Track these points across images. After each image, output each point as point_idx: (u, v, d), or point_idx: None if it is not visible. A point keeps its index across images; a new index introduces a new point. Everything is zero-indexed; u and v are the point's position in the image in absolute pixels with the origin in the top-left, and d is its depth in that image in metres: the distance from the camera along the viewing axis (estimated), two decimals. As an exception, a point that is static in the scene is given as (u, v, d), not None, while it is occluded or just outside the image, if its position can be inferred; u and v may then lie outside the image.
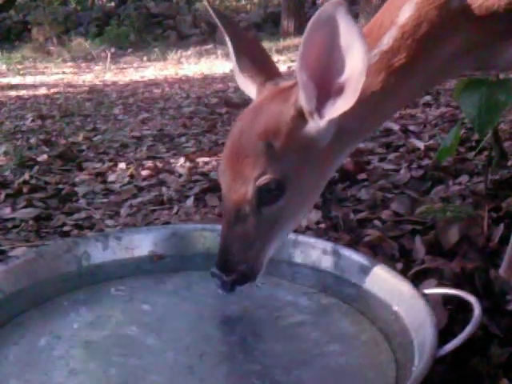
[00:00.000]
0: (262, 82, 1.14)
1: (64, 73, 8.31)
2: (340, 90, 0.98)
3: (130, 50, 11.48)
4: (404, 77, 1.05)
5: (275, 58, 8.77)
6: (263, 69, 1.15)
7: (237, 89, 5.48)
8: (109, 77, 7.43)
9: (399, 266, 1.43)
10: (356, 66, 0.94)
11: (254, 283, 1.13)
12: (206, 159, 2.77)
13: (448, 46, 1.04)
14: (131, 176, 2.54)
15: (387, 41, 1.04)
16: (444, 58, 1.06)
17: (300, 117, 1.04)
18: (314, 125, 1.03)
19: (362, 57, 0.92)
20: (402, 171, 2.32)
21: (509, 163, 2.22)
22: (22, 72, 8.38)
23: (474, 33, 1.04)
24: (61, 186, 2.39)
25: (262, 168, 1.02)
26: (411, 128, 3.15)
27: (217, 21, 1.14)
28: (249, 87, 1.16)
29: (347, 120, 1.03)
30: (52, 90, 6.07)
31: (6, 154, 3.02)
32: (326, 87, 1.00)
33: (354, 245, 1.53)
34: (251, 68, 1.15)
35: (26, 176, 2.51)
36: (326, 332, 1.16)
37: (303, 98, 1.01)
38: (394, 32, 1.03)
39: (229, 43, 1.14)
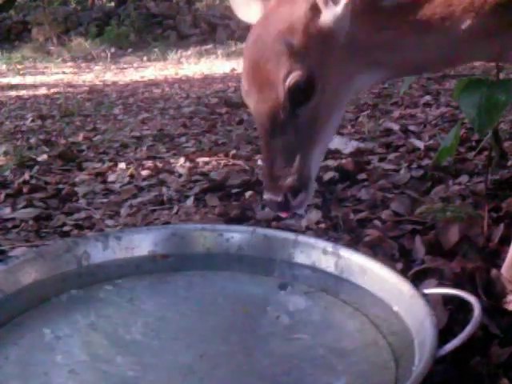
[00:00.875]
0: None
1: (64, 73, 8.31)
2: None
3: (129, 49, 11.47)
4: (418, 24, 1.04)
5: (275, 58, 8.77)
6: None
7: (237, 89, 5.48)
8: (109, 77, 7.43)
9: (399, 265, 1.43)
10: None
11: (308, 198, 1.09)
12: (206, 159, 2.77)
13: (465, 23, 1.04)
14: (131, 176, 2.53)
15: None
16: (459, 33, 1.05)
17: (313, 9, 1.03)
18: (329, 13, 1.02)
19: None
20: (402, 171, 2.32)
21: (509, 163, 2.22)
22: (22, 72, 8.37)
23: (491, 18, 1.04)
24: (61, 186, 2.39)
25: (287, 67, 1.01)
26: (411, 128, 3.15)
27: None
28: (252, 8, 1.14)
29: (358, 28, 1.03)
30: (52, 90, 6.06)
31: (5, 153, 3.02)
32: None
33: (354, 245, 1.53)
34: None
35: (26, 176, 2.51)
36: (326, 332, 1.16)
37: None
38: None
39: None
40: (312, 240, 1.39)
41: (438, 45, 1.08)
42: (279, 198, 1.05)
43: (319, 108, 1.05)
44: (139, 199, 2.20)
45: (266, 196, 1.07)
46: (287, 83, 1.01)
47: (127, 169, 2.64)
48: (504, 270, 1.37)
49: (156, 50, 10.24)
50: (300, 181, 1.06)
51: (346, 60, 1.07)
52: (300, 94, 1.02)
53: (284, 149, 1.04)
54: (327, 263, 1.32)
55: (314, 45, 1.03)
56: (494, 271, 1.32)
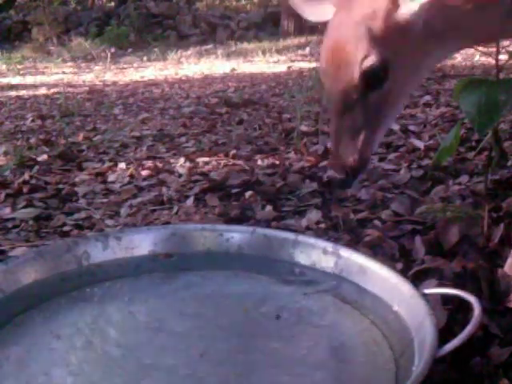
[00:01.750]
0: None
1: (64, 73, 8.30)
2: None
3: (130, 49, 11.47)
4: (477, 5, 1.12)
5: (275, 57, 8.77)
6: None
7: (237, 89, 5.48)
8: (109, 77, 7.42)
9: (399, 265, 1.43)
10: None
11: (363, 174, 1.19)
12: (206, 159, 2.77)
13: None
14: (131, 176, 2.53)
15: None
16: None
17: (393, 2, 1.11)
18: (407, 7, 1.10)
19: None
20: (402, 171, 2.32)
21: (509, 163, 2.22)
22: (21, 72, 8.37)
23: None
24: (61, 186, 2.39)
25: (365, 50, 1.09)
26: (411, 128, 3.15)
27: None
28: (325, 8, 1.22)
29: (432, 17, 1.11)
30: (52, 90, 6.06)
31: (5, 154, 3.02)
32: None
33: (354, 245, 1.53)
34: None
35: (26, 176, 2.51)
36: (326, 332, 1.16)
37: None
38: None
39: None
40: (312, 240, 1.39)
41: (495, 16, 1.17)
42: (341, 176, 1.14)
43: (389, 93, 1.13)
44: (139, 199, 2.19)
45: (330, 173, 1.14)
46: (363, 66, 1.08)
47: (127, 169, 2.64)
48: (507, 268, 1.37)
49: (156, 50, 10.24)
50: (361, 161, 1.14)
51: (419, 46, 1.14)
52: (373, 78, 1.10)
53: (351, 128, 1.12)
54: (327, 263, 1.32)
55: (392, 33, 1.11)
56: (498, 270, 1.33)
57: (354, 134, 1.12)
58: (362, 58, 1.08)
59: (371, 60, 1.08)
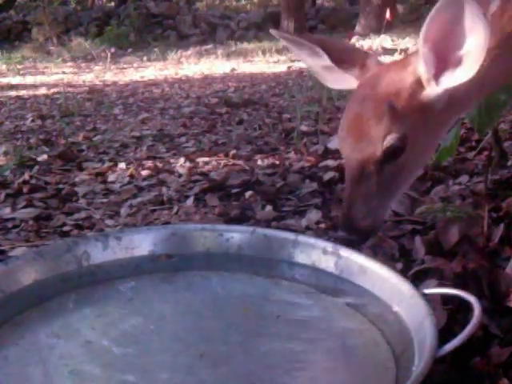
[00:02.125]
0: (362, 63, 1.23)
1: (64, 73, 8.31)
2: (458, 60, 1.08)
3: (130, 49, 11.47)
4: (496, 59, 1.15)
5: (275, 57, 8.78)
6: (355, 55, 1.26)
7: (237, 89, 5.49)
8: (109, 77, 7.43)
9: (399, 265, 1.43)
10: (478, 41, 1.03)
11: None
12: (206, 159, 2.77)
13: None
14: (131, 176, 2.53)
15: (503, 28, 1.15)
16: None
17: (418, 83, 1.14)
18: (431, 91, 1.13)
19: (484, 34, 1.02)
20: (402, 171, 2.31)
21: (509, 163, 2.22)
22: (21, 72, 8.37)
23: None
24: (61, 186, 2.39)
25: (388, 128, 1.12)
26: (411, 128, 3.14)
27: (293, 40, 1.26)
28: (348, 77, 1.25)
29: (457, 93, 1.14)
30: (52, 90, 6.06)
31: (5, 154, 3.02)
32: (444, 59, 1.10)
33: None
34: (345, 58, 1.24)
35: (26, 176, 2.51)
36: (326, 332, 1.16)
37: (423, 67, 1.11)
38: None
39: (317, 51, 1.22)
40: (312, 240, 1.39)
41: None
42: (351, 237, 1.17)
43: (405, 165, 1.17)
44: (139, 199, 2.20)
45: (341, 234, 1.18)
46: (385, 142, 1.12)
47: (127, 169, 2.64)
48: (509, 268, 1.37)
49: (156, 49, 10.25)
50: (374, 227, 1.17)
51: (439, 119, 1.19)
52: (392, 152, 1.13)
53: (365, 195, 1.16)
54: (327, 263, 1.32)
55: (413, 112, 1.15)
56: (499, 270, 1.32)
57: (368, 199, 1.15)
58: (384, 134, 1.12)
59: (393, 137, 1.12)
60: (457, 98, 1.17)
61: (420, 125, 1.15)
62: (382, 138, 1.12)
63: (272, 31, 1.28)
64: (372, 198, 1.15)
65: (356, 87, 1.22)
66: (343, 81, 1.27)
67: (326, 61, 1.23)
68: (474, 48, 1.05)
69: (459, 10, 1.02)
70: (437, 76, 1.12)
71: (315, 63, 1.27)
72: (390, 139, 1.12)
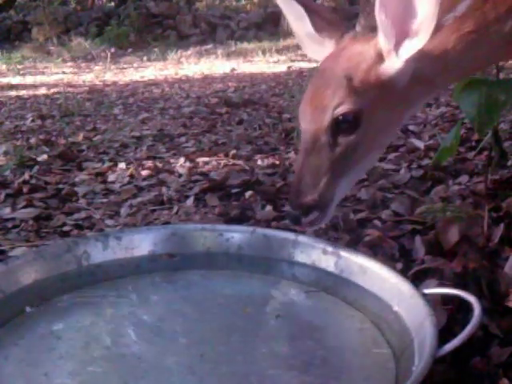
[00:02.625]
0: (340, 35, 1.23)
1: (64, 73, 8.30)
2: (415, 32, 1.07)
3: (129, 49, 11.47)
4: (471, 42, 1.13)
5: (275, 57, 8.77)
6: (337, 26, 1.25)
7: (237, 89, 5.48)
8: (109, 77, 7.42)
9: (399, 265, 1.43)
10: (428, 8, 1.03)
11: (324, 219, 1.17)
12: (206, 159, 2.77)
13: (509, 23, 1.13)
14: (131, 176, 2.53)
15: (461, 9, 1.12)
16: (507, 33, 1.14)
17: (379, 56, 1.13)
18: (392, 63, 1.12)
19: (434, 2, 1.02)
20: (402, 171, 2.32)
21: (509, 163, 2.22)
22: (21, 72, 8.37)
23: None
24: (61, 186, 2.39)
25: (341, 98, 1.11)
26: (411, 128, 3.15)
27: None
28: (326, 47, 1.24)
29: (422, 70, 1.13)
30: (52, 90, 6.06)
31: (5, 154, 3.02)
32: (402, 30, 1.08)
33: (354, 245, 1.53)
34: (327, 27, 1.24)
35: (26, 176, 2.51)
36: (326, 332, 1.16)
37: (382, 37, 1.10)
38: (468, 2, 1.12)
39: (303, 14, 1.20)
40: (312, 240, 1.39)
41: (487, 51, 1.18)
42: (295, 212, 1.14)
43: (360, 143, 1.14)
44: (139, 199, 2.19)
45: (286, 208, 1.14)
46: (335, 112, 1.11)
47: (127, 169, 2.64)
48: (507, 268, 1.37)
49: (156, 50, 10.24)
50: (318, 202, 1.14)
51: (401, 100, 1.16)
52: (344, 126, 1.12)
53: (316, 169, 1.13)
54: (327, 263, 1.32)
55: (372, 86, 1.13)
56: (498, 270, 1.32)
57: (318, 174, 1.13)
58: (336, 104, 1.11)
59: (344, 108, 1.10)
60: (421, 75, 1.14)
61: (379, 101, 1.13)
62: (333, 107, 1.11)
63: None
64: (321, 173, 1.13)
65: (326, 57, 1.22)
66: (322, 51, 1.25)
67: (308, 26, 1.22)
68: (425, 15, 1.04)
69: None
70: (397, 48, 1.10)
71: (300, 28, 1.25)
72: (341, 110, 1.10)
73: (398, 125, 1.23)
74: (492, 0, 1.13)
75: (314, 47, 1.26)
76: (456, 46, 1.13)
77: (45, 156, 2.91)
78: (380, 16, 1.07)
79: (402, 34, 1.09)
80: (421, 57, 1.10)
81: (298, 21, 1.24)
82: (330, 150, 1.12)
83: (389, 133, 1.21)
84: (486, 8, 1.13)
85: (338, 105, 1.11)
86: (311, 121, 1.14)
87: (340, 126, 1.11)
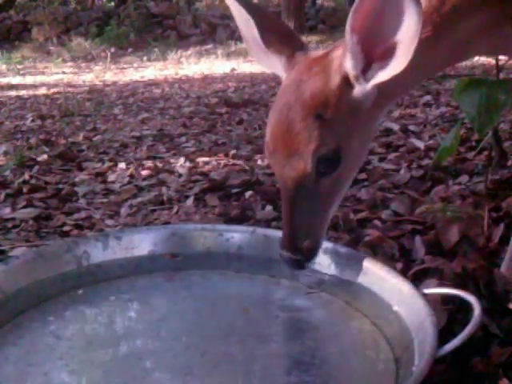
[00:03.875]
0: (290, 53, 1.14)
1: (64, 73, 8.30)
2: (387, 53, 0.99)
3: (129, 49, 11.47)
4: (430, 48, 1.06)
5: (275, 57, 8.76)
6: (289, 41, 1.16)
7: (237, 89, 5.48)
8: (109, 77, 7.42)
9: (399, 265, 1.43)
10: (410, 27, 0.94)
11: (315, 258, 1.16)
12: (206, 159, 2.77)
13: (469, 21, 1.06)
14: (131, 176, 2.53)
15: None
16: (466, 34, 1.08)
17: (345, 82, 1.05)
18: (360, 88, 1.05)
19: (417, 19, 0.92)
20: (402, 171, 2.32)
21: (509, 163, 2.22)
22: (21, 72, 8.37)
23: (493, 12, 1.07)
24: (61, 186, 2.39)
25: (318, 140, 1.04)
26: (411, 128, 3.15)
27: (234, 1, 1.13)
28: (275, 62, 1.16)
29: (383, 85, 1.05)
30: (52, 90, 6.06)
31: (5, 154, 3.02)
32: (371, 50, 1.01)
33: (354, 245, 1.53)
34: (277, 42, 1.15)
35: (26, 176, 2.51)
36: (326, 332, 1.16)
37: (350, 62, 1.02)
38: (422, 5, 1.02)
39: (251, 20, 1.12)
40: (312, 240, 1.39)
41: (448, 57, 1.13)
42: (297, 257, 1.12)
43: (342, 175, 1.10)
44: (139, 199, 2.19)
45: (285, 253, 1.12)
46: (316, 156, 1.04)
47: (127, 169, 2.64)
48: (504, 268, 1.37)
49: (156, 49, 10.24)
50: (315, 243, 1.13)
51: (369, 120, 1.11)
52: (326, 166, 1.06)
53: (304, 211, 1.10)
54: (327, 263, 1.32)
55: (344, 117, 1.06)
56: (496, 270, 1.32)
57: (308, 215, 1.10)
58: (314, 147, 1.03)
59: (325, 149, 1.04)
60: (388, 91, 1.08)
61: (352, 127, 1.07)
62: (312, 152, 1.04)
63: None
64: (312, 216, 1.10)
65: (281, 88, 1.13)
66: (270, 64, 1.17)
67: (256, 35, 1.13)
68: (407, 36, 0.95)
69: None
70: (365, 71, 1.03)
71: (247, 32, 1.17)
72: (322, 153, 1.04)
73: (370, 142, 1.19)
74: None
75: (262, 56, 1.17)
76: (418, 53, 1.01)
77: (45, 156, 2.91)
78: (351, 39, 0.98)
79: (370, 57, 1.02)
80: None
81: (245, 25, 1.15)
82: (315, 192, 1.08)
83: (365, 153, 1.17)
84: (444, 9, 1.05)
85: (316, 148, 1.04)
86: (289, 168, 1.07)
87: (322, 167, 1.05)
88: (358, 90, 1.05)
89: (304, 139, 1.04)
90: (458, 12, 1.05)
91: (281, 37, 1.16)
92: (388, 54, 0.99)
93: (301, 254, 1.11)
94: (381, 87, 1.05)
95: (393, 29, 0.96)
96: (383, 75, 1.01)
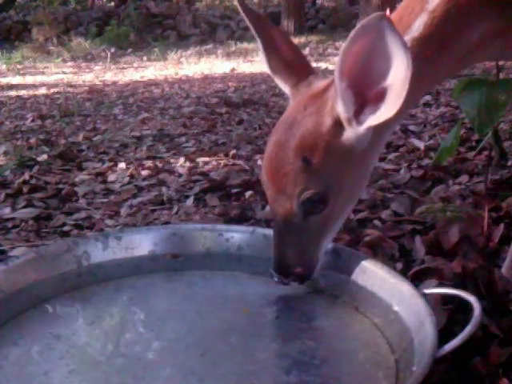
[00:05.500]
0: (295, 83, 1.13)
1: (64, 73, 8.30)
2: (380, 97, 0.97)
3: (129, 49, 11.47)
4: (435, 62, 1.05)
5: (275, 57, 8.76)
6: (295, 69, 1.14)
7: (237, 89, 5.48)
8: (109, 77, 7.42)
9: (399, 265, 1.43)
10: (400, 72, 0.92)
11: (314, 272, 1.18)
12: (206, 159, 2.77)
13: (475, 30, 1.04)
14: (131, 176, 2.53)
15: (418, 27, 1.03)
16: (471, 43, 1.06)
17: (337, 125, 1.03)
18: (352, 132, 1.03)
19: (406, 64, 0.91)
20: (402, 171, 2.32)
21: (509, 163, 2.22)
22: (22, 72, 8.37)
23: (498, 19, 1.05)
24: (61, 186, 2.39)
25: (303, 184, 1.04)
26: (411, 128, 3.15)
27: (245, 19, 1.12)
28: (284, 87, 1.16)
29: (384, 122, 1.02)
30: (52, 90, 6.06)
31: (5, 154, 3.02)
32: (363, 93, 0.99)
33: (354, 245, 1.53)
34: (282, 69, 1.14)
35: (26, 176, 2.51)
36: (326, 332, 1.16)
37: (341, 106, 1.00)
38: (425, 18, 1.03)
39: (260, 44, 1.12)
40: (312, 240, 1.39)
41: (452, 66, 1.11)
42: (286, 281, 1.16)
43: (332, 212, 1.09)
44: (139, 199, 2.20)
45: (276, 276, 1.16)
46: (301, 199, 1.05)
47: (127, 169, 2.65)
48: (504, 269, 1.37)
49: (156, 49, 10.24)
50: (308, 271, 1.15)
51: (363, 162, 1.09)
52: (313, 207, 1.06)
53: (295, 243, 1.11)
54: (327, 263, 1.32)
55: (333, 161, 1.05)
56: (496, 271, 1.33)
57: (296, 248, 1.11)
58: (299, 191, 1.04)
59: (309, 193, 1.04)
60: (382, 133, 1.07)
61: (342, 170, 1.06)
62: (296, 195, 1.05)
63: (239, 2, 1.11)
64: (302, 247, 1.11)
65: (280, 119, 1.12)
66: (283, 87, 1.17)
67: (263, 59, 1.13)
68: (397, 80, 0.93)
69: (377, 38, 0.90)
70: (357, 114, 1.01)
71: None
72: (306, 195, 1.04)
73: (366, 178, 1.16)
74: (457, 7, 1.02)
75: (280, 80, 1.16)
76: (418, 72, 0.97)
77: (45, 156, 2.91)
78: (341, 84, 0.96)
79: (362, 99, 1.00)
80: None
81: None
82: (302, 228, 1.09)
83: (359, 190, 1.15)
84: (449, 20, 1.02)
85: (300, 192, 1.04)
86: (276, 203, 1.08)
87: (307, 209, 1.06)
88: (351, 133, 1.03)
89: (290, 181, 1.05)
90: (464, 20, 1.03)
91: (287, 64, 1.14)
92: (381, 96, 0.97)
93: (292, 279, 1.15)
94: (377, 130, 1.04)
95: (383, 73, 0.95)
96: (374, 119, 0.99)
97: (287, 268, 1.13)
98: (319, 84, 1.12)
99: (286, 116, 1.11)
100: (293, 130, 1.06)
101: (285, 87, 1.15)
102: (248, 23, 1.13)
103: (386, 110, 0.96)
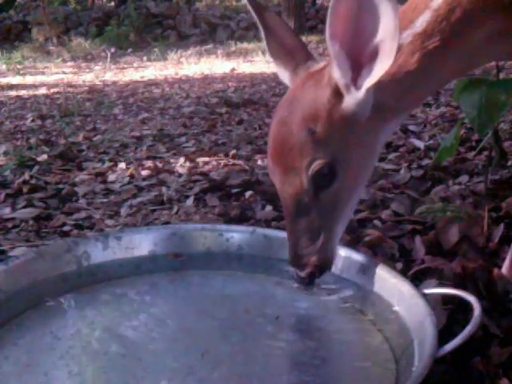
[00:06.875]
0: (294, 68, 1.14)
1: (64, 73, 8.30)
2: (374, 56, 0.97)
3: (129, 49, 11.47)
4: (438, 59, 1.04)
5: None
6: (294, 54, 1.16)
7: (237, 89, 5.48)
8: (109, 77, 7.42)
9: (399, 265, 1.43)
10: (388, 23, 0.92)
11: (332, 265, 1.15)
12: (206, 159, 2.77)
13: (479, 31, 1.04)
14: (131, 176, 2.53)
15: (421, 23, 1.03)
16: (475, 43, 1.05)
17: (336, 94, 1.03)
18: (352, 98, 1.02)
19: (393, 14, 0.91)
20: (402, 171, 2.32)
21: (509, 163, 2.22)
22: (22, 72, 8.37)
23: (503, 19, 1.04)
24: (61, 186, 2.39)
25: (310, 156, 1.03)
26: (411, 128, 3.15)
27: (248, 6, 1.13)
28: (283, 74, 1.17)
29: (384, 98, 1.03)
30: (52, 90, 6.06)
31: (6, 154, 3.02)
32: (358, 56, 0.99)
33: (354, 245, 1.53)
34: (282, 55, 1.15)
35: (26, 176, 2.51)
36: (326, 332, 1.16)
37: (337, 71, 1.00)
38: (428, 15, 1.03)
39: (261, 31, 1.13)
40: (312, 240, 1.38)
41: (457, 64, 1.09)
42: (303, 274, 1.11)
43: (341, 191, 1.07)
44: (139, 199, 2.19)
45: (292, 270, 1.12)
46: (310, 172, 1.03)
47: (127, 169, 2.64)
48: (505, 269, 1.37)
49: (156, 50, 10.24)
50: (325, 260, 1.11)
51: (370, 133, 1.08)
52: (323, 180, 1.04)
53: (308, 227, 1.08)
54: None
55: (337, 130, 1.04)
56: (495, 271, 1.33)
57: (312, 231, 1.08)
58: (307, 163, 1.03)
59: (318, 164, 1.03)
60: (394, 104, 1.06)
61: (348, 140, 1.05)
62: (305, 166, 1.03)
63: None
64: (316, 231, 1.08)
65: (278, 104, 1.14)
66: (283, 75, 1.18)
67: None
68: (387, 33, 0.93)
69: None
70: (355, 79, 1.00)
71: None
72: (315, 166, 1.03)
73: (374, 156, 1.14)
74: (461, 7, 1.02)
75: (278, 68, 1.18)
76: (420, 66, 1.02)
77: (45, 156, 2.91)
78: (333, 47, 0.95)
79: (358, 63, 0.99)
80: (381, 82, 1.00)
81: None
82: (315, 207, 1.07)
83: (368, 167, 1.13)
84: (453, 18, 1.02)
85: (309, 164, 1.03)
86: (286, 184, 1.07)
87: (318, 182, 1.04)
88: (350, 99, 1.02)
89: (297, 155, 1.04)
90: (468, 21, 1.03)
91: (287, 49, 1.16)
92: (375, 56, 0.97)
93: (308, 270, 1.11)
94: (378, 98, 1.04)
95: (372, 29, 0.94)
96: (371, 78, 0.99)
97: (302, 258, 1.10)
98: (317, 65, 1.13)
99: (286, 96, 1.12)
100: (293, 105, 1.07)
101: (285, 73, 1.16)
102: (250, 9, 1.14)
103: (381, 65, 0.96)
